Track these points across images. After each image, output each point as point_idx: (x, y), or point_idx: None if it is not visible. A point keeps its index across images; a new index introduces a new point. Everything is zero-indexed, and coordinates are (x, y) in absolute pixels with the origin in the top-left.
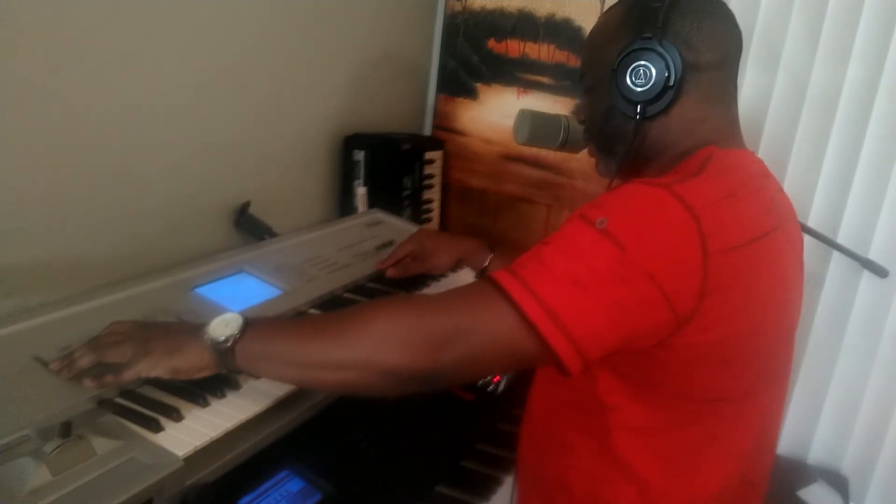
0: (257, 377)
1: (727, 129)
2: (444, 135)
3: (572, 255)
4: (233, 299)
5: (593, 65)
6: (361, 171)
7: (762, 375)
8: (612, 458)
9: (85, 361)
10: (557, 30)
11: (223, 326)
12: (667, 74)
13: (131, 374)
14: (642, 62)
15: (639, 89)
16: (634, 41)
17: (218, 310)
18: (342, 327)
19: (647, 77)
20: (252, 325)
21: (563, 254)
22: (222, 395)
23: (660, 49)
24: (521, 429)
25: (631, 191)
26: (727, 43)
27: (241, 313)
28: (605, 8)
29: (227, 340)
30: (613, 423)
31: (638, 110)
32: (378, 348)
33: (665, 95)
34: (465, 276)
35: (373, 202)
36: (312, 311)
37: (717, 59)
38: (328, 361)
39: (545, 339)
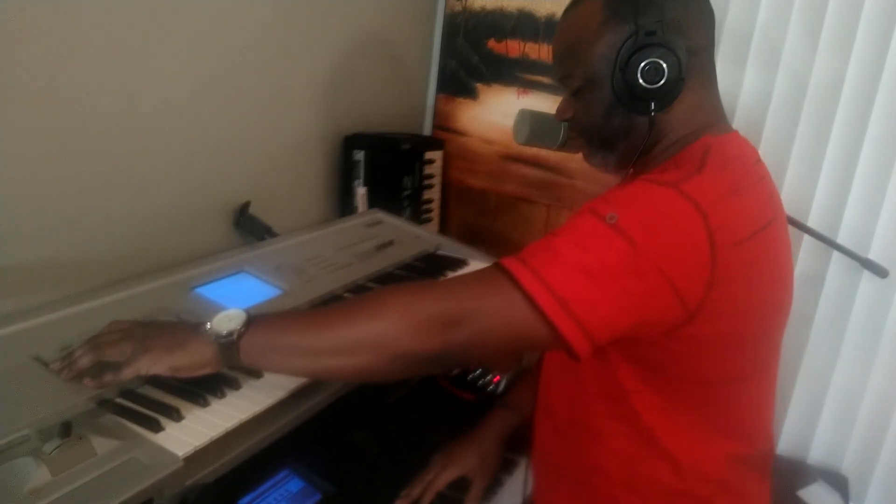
0: (259, 373)
1: (717, 110)
2: (444, 135)
3: (583, 247)
4: (233, 299)
5: (581, 64)
6: (361, 171)
7: (764, 353)
8: (644, 438)
9: (85, 361)
10: None
11: (226, 321)
12: (678, 67)
13: (130, 371)
14: (654, 59)
15: (653, 86)
16: (637, 37)
17: (218, 310)
18: (353, 312)
19: (660, 73)
20: (255, 319)
21: (575, 245)
22: (222, 395)
23: (668, 42)
24: (536, 424)
25: (640, 189)
26: (709, 21)
27: (244, 309)
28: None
29: (231, 335)
30: (639, 406)
31: (652, 107)
32: (389, 330)
33: (676, 88)
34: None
35: (373, 202)
36: None
37: (706, 41)
38: (340, 346)
39: (556, 326)
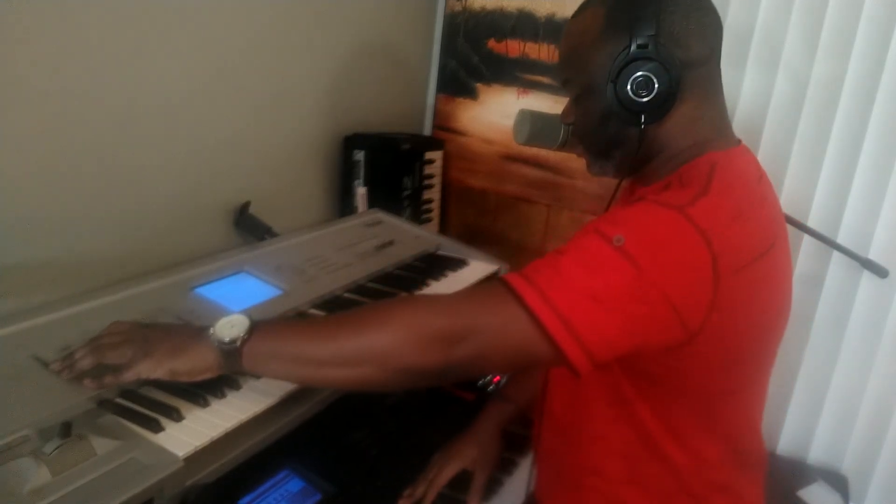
0: (260, 376)
1: (720, 123)
2: (444, 135)
3: (589, 269)
4: (233, 299)
5: (580, 71)
6: (361, 171)
7: (758, 369)
8: (644, 441)
9: (86, 363)
10: (557, 30)
11: (229, 327)
12: (668, 81)
13: (131, 375)
14: (644, 73)
15: (642, 100)
16: (629, 49)
17: (218, 310)
18: (357, 324)
19: (650, 87)
20: (259, 326)
21: (580, 266)
22: (222, 396)
23: (660, 57)
24: (541, 426)
25: (646, 211)
26: (713, 34)
27: (245, 314)
28: None
29: (234, 341)
30: (639, 412)
31: (642, 119)
32: (393, 343)
33: (667, 101)
34: (467, 275)
35: (373, 202)
36: (313, 311)
37: (707, 54)
38: (343, 358)
39: (560, 346)
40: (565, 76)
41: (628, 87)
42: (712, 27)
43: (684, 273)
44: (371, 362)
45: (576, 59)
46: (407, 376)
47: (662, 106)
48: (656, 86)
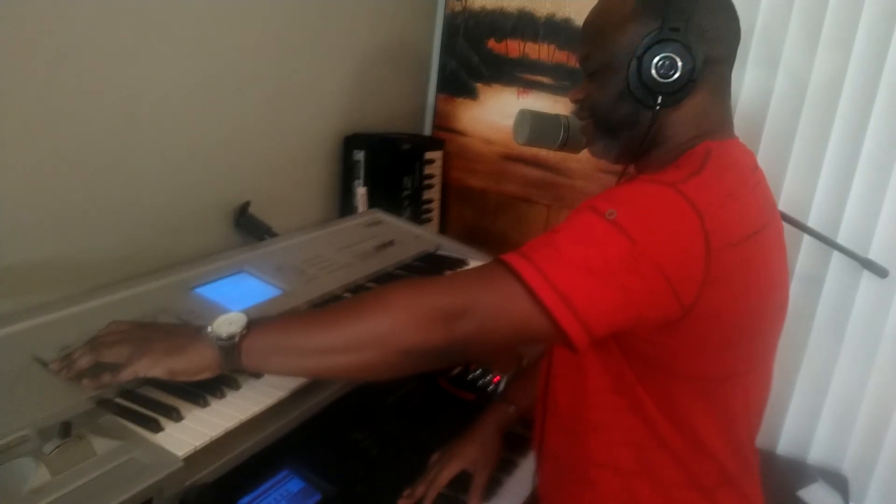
0: (259, 375)
1: (724, 121)
2: (444, 135)
3: (584, 243)
4: (233, 299)
5: (602, 48)
6: (361, 171)
7: (758, 352)
8: (651, 430)
9: (84, 362)
10: (557, 30)
11: (227, 325)
12: (691, 68)
13: (128, 373)
14: (670, 54)
15: (664, 80)
16: (661, 31)
17: (218, 310)
18: (357, 309)
19: (674, 69)
20: (257, 322)
21: (576, 241)
22: (222, 395)
23: (688, 42)
24: (545, 424)
25: (638, 188)
26: (734, 37)
27: (244, 313)
28: None
29: (232, 337)
30: (643, 400)
31: (658, 101)
32: (395, 325)
33: (685, 88)
34: None
35: (373, 202)
36: None
37: (726, 53)
38: (345, 344)
39: (557, 320)
40: (586, 51)
41: (652, 66)
42: (733, 31)
43: (677, 245)
44: (373, 346)
45: (601, 35)
46: (409, 357)
47: (680, 91)
48: (680, 69)
